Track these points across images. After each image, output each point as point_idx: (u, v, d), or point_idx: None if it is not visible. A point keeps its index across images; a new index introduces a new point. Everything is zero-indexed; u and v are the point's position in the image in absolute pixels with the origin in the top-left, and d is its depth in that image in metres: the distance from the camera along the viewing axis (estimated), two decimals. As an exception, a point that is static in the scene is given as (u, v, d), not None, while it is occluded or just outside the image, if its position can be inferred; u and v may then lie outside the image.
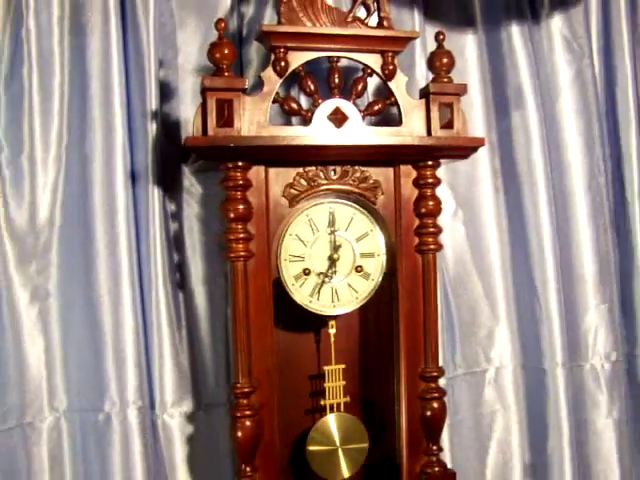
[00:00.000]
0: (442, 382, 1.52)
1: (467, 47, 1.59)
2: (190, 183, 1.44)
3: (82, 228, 1.37)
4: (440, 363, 1.49)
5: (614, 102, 1.68)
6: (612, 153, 1.68)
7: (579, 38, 1.62)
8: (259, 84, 1.24)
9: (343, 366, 1.35)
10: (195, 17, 1.44)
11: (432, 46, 1.36)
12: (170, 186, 1.42)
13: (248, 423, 1.24)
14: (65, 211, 1.38)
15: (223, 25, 1.19)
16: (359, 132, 1.26)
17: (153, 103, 1.37)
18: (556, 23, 1.62)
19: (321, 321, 1.35)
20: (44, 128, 1.36)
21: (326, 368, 1.34)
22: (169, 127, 1.41)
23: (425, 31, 1.53)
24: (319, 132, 1.24)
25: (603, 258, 1.63)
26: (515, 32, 1.57)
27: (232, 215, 1.21)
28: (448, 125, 1.29)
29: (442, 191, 1.53)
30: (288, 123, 1.39)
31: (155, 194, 1.38)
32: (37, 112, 1.35)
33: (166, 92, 1.41)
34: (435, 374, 1.34)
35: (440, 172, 1.49)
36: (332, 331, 1.34)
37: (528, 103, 1.56)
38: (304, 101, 1.41)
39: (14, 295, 1.36)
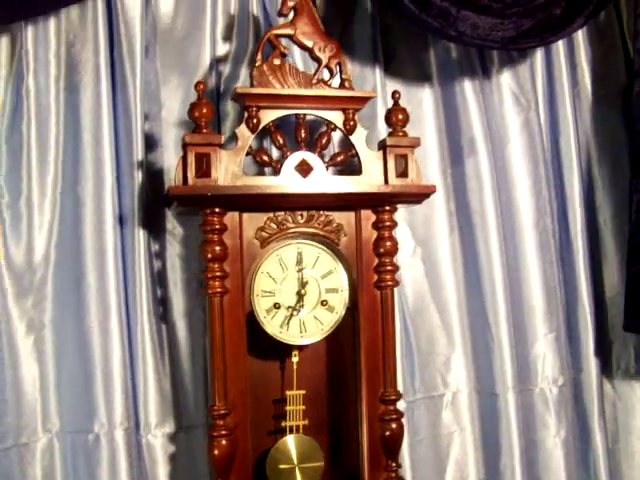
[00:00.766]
0: (402, 405, 1.67)
1: (424, 100, 1.76)
2: (172, 225, 1.59)
3: (74, 265, 1.51)
4: (400, 388, 1.65)
5: (558, 149, 1.84)
6: (557, 194, 1.84)
7: (526, 92, 1.79)
8: (234, 137, 1.41)
9: (303, 392, 1.49)
10: (177, 75, 1.61)
11: (390, 102, 1.54)
12: (154, 228, 1.57)
13: (224, 442, 1.38)
14: (59, 250, 1.53)
15: (202, 87, 1.37)
16: (323, 181, 1.43)
17: (139, 153, 1.53)
18: (505, 78, 1.79)
19: (286, 350, 1.48)
20: (41, 175, 1.51)
21: (288, 393, 1.48)
22: (154, 174, 1.57)
23: (386, 86, 1.69)
24: (287, 181, 1.41)
25: (550, 290, 1.78)
26: (467, 87, 1.74)
27: (209, 255, 1.37)
28: (403, 174, 1.46)
29: (402, 230, 1.73)
30: (260, 172, 1.55)
31: (141, 235, 1.53)
32: (35, 161, 1.50)
33: (151, 143, 1.57)
34: (393, 397, 1.48)
35: (400, 213, 1.67)
36: (295, 359, 1.48)
37: (479, 151, 1.73)
38: (275, 151, 1.56)
39: (12, 327, 1.50)
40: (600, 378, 1.84)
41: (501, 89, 1.79)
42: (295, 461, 1.49)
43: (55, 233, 1.53)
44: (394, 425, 1.48)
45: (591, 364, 1.82)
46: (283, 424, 1.49)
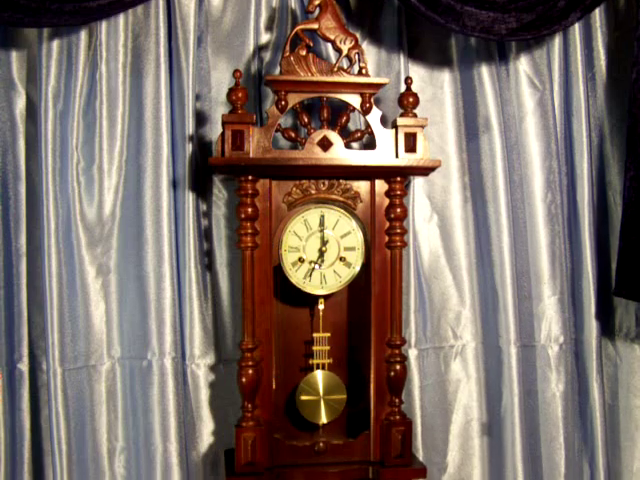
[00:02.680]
0: (414, 352, 1.97)
1: (445, 83, 2.00)
2: (218, 189, 1.92)
3: (136, 221, 1.86)
4: (413, 337, 1.96)
5: (570, 128, 2.04)
6: (567, 171, 2.04)
7: (541, 75, 2.00)
8: (266, 116, 1.72)
9: (328, 334, 1.79)
10: (225, 61, 1.91)
11: (416, 83, 1.82)
12: (202, 191, 1.90)
13: (250, 371, 1.71)
14: (123, 208, 1.88)
15: (238, 74, 1.68)
16: (341, 155, 1.72)
17: (191, 128, 1.85)
18: (521, 63, 2.01)
19: (315, 300, 1.78)
20: (110, 146, 1.86)
21: (314, 335, 1.79)
22: (203, 146, 1.89)
23: (409, 71, 1.95)
24: (310, 154, 1.70)
25: (556, 258, 2.01)
26: (485, 71, 1.97)
27: (243, 216, 1.69)
28: (412, 150, 1.73)
29: (420, 199, 1.99)
30: (287, 147, 1.86)
31: (190, 197, 1.86)
32: (105, 134, 1.85)
33: (201, 119, 1.89)
34: (398, 343, 1.76)
35: (419, 184, 1.96)
36: (321, 307, 1.78)
37: (494, 129, 1.96)
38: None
39: (84, 270, 1.87)
40: (600, 339, 2.06)
41: (518, 73, 2.01)
42: (321, 393, 1.79)
43: (120, 194, 1.88)
44: (398, 367, 1.77)
45: (592, 326, 2.04)
46: (311, 362, 1.79)
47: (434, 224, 2.02)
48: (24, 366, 1.87)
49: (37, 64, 1.80)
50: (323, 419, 1.80)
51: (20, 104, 1.85)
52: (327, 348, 1.80)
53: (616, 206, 2.09)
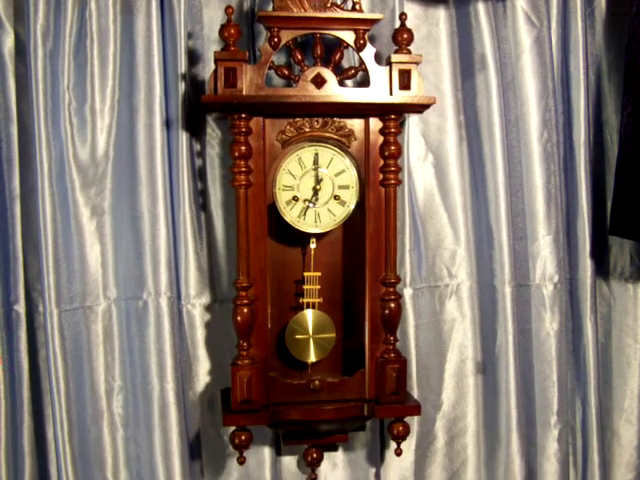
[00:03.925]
0: (409, 291, 2.02)
1: (441, 20, 2.01)
2: (212, 129, 1.94)
3: (129, 161, 1.88)
4: (408, 276, 2.00)
5: (567, 65, 2.05)
6: (564, 109, 2.06)
7: (539, 12, 1.99)
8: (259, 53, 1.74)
9: (319, 273, 1.83)
10: (217, -2, 1.93)
11: (411, 21, 1.82)
12: (196, 131, 1.92)
13: (245, 310, 1.75)
14: (117, 148, 1.89)
15: (230, 10, 1.68)
16: (335, 92, 1.74)
17: (183, 67, 1.86)
18: (519, 0, 1.99)
19: (307, 239, 1.81)
20: (102, 86, 1.87)
21: (305, 274, 1.83)
22: (196, 85, 1.90)
23: (404, 7, 1.94)
24: (303, 92, 1.72)
25: (551, 197, 2.03)
26: (481, 8, 1.95)
27: (236, 154, 1.71)
28: (406, 87, 1.75)
29: (415, 138, 2.02)
30: (281, 85, 1.87)
31: (184, 137, 1.88)
32: (97, 74, 1.86)
33: (193, 58, 1.90)
34: (393, 281, 1.80)
35: (414, 122, 1.99)
36: (313, 246, 1.82)
37: (490, 67, 1.96)
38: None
39: (79, 212, 1.89)
40: (594, 278, 2.10)
41: (515, 9, 2.01)
42: (310, 332, 1.83)
43: (113, 134, 1.90)
44: (393, 305, 1.81)
45: (587, 265, 2.08)
46: (301, 300, 1.84)
47: (429, 163, 2.05)
48: (21, 308, 1.91)
49: (24, 1, 1.80)
50: (312, 357, 1.85)
51: (9, 43, 1.86)
52: (317, 287, 1.84)
53: (612, 145, 2.11)
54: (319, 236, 1.83)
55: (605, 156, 2.14)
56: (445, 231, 2.06)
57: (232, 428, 1.82)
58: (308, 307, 1.84)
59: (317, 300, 1.84)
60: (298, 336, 1.84)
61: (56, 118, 1.85)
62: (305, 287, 1.83)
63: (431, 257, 2.06)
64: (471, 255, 2.07)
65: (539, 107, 2.03)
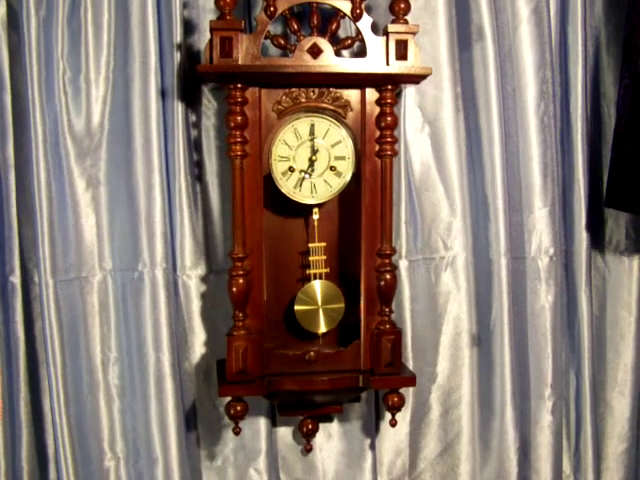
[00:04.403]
0: (405, 263, 2.03)
1: (438, -10, 2.01)
2: (208, 100, 1.93)
3: (124, 132, 1.88)
4: (403, 248, 2.02)
5: (565, 38, 2.05)
6: (561, 81, 2.06)
7: None
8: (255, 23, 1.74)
9: (324, 244, 1.84)
10: (214, -34, 1.92)
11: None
12: (191, 102, 1.92)
13: (241, 281, 1.76)
14: (112, 119, 1.89)
15: (226, -21, 1.69)
16: (331, 62, 1.73)
17: (179, 37, 1.85)
18: None
19: (309, 210, 1.83)
20: (96, 55, 1.86)
21: (310, 245, 1.84)
22: (191, 55, 1.90)
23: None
24: (300, 62, 1.72)
25: (548, 169, 2.03)
26: None
27: (232, 124, 1.72)
28: (403, 57, 1.75)
29: (411, 110, 2.02)
30: (277, 55, 1.87)
31: (180, 107, 1.88)
32: (91, 43, 1.85)
33: (189, 28, 1.89)
34: (388, 252, 1.81)
35: (410, 94, 1.99)
36: (316, 217, 1.83)
37: (487, 38, 1.96)
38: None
39: (74, 183, 1.89)
40: (590, 251, 2.12)
41: (512, -19, 2.01)
42: (319, 302, 1.85)
43: (108, 104, 1.90)
44: (388, 276, 1.82)
45: (582, 238, 2.10)
46: (308, 272, 1.85)
47: (425, 135, 2.04)
48: (16, 279, 1.92)
49: (15, -33, 1.80)
50: (322, 328, 1.87)
51: (1, 11, 1.85)
52: (324, 258, 1.85)
53: (610, 118, 2.12)
54: (320, 206, 1.84)
55: (602, 129, 2.15)
56: (441, 203, 2.06)
57: (228, 399, 1.84)
58: (315, 278, 1.85)
59: (324, 270, 1.85)
60: (307, 307, 1.85)
61: (50, 87, 1.85)
62: (311, 258, 1.84)
63: (427, 229, 2.06)
64: (467, 227, 2.07)
65: (536, 79, 2.02)
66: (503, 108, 2.01)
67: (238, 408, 1.83)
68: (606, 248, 2.20)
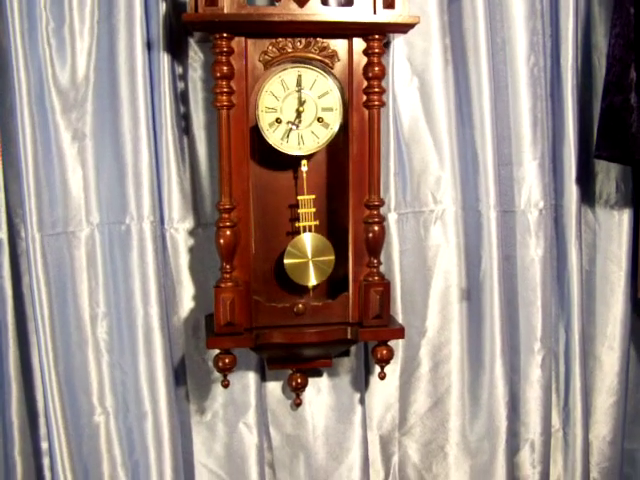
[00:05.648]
0: (394, 216, 2.05)
1: (427, -59, 2.01)
2: (194, 51, 1.94)
3: (110, 84, 1.88)
4: (392, 201, 2.03)
5: None
6: (551, 33, 2.07)
7: None
8: (242, -28, 1.74)
9: (313, 196, 1.85)
10: None
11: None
12: (178, 53, 1.92)
13: (228, 232, 1.78)
14: (97, 71, 1.89)
15: None
16: (318, 11, 1.74)
17: None
18: None
19: (298, 162, 1.84)
20: (80, 5, 1.86)
21: (299, 197, 1.86)
22: (177, 6, 1.90)
23: None
24: (286, 11, 1.73)
25: (537, 122, 2.05)
26: None
27: (218, 74, 1.73)
28: (390, 6, 1.76)
29: (400, 62, 2.02)
30: (263, 4, 1.88)
31: (166, 59, 1.88)
32: (75, -7, 1.87)
33: (174, -22, 1.91)
34: (376, 203, 1.83)
35: (399, 46, 1.99)
36: (304, 169, 1.84)
37: None
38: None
39: (60, 137, 1.90)
40: (580, 205, 2.14)
41: None
42: (309, 255, 1.86)
43: (94, 56, 1.89)
44: (376, 227, 1.84)
45: (572, 191, 2.11)
46: (297, 224, 1.87)
47: (414, 87, 2.05)
48: (3, 234, 1.94)
49: None
50: (313, 281, 1.88)
51: (-20, -40, 1.86)
52: (313, 210, 1.86)
53: (600, 69, 2.11)
54: (308, 157, 1.84)
55: (593, 81, 2.15)
56: (430, 156, 2.07)
57: (216, 352, 1.87)
58: (305, 231, 1.86)
59: (313, 223, 1.87)
60: (297, 260, 1.87)
61: (33, 39, 1.84)
62: (300, 211, 1.86)
63: (416, 182, 2.08)
64: (456, 180, 2.09)
65: (526, 30, 2.03)
66: (493, 60, 2.01)
67: (226, 360, 1.85)
68: (596, 202, 2.22)
